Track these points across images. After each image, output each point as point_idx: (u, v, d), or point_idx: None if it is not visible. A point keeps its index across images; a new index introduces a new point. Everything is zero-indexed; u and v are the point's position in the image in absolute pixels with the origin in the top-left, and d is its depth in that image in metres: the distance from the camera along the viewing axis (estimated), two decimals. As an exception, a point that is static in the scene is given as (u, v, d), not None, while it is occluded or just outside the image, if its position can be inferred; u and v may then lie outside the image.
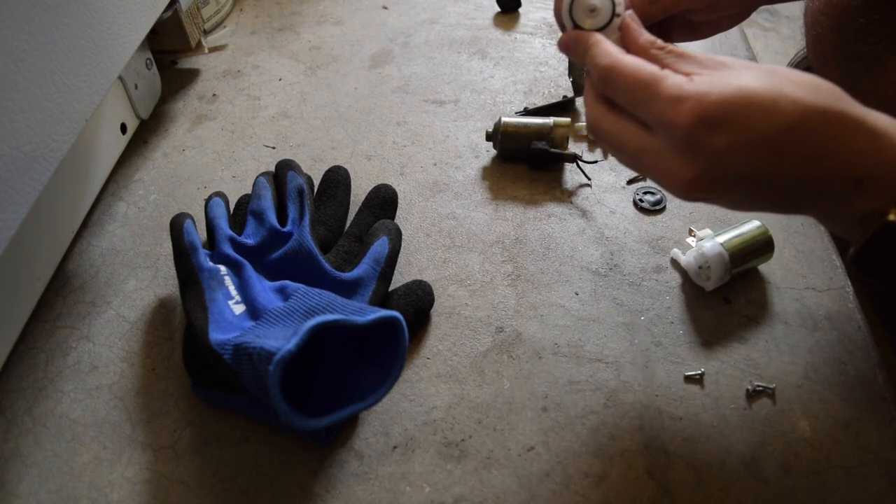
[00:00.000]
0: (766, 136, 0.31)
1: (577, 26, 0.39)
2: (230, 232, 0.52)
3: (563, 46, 0.40)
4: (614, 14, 0.38)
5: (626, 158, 0.36)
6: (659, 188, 0.62)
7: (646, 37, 0.37)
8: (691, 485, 0.42)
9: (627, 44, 0.37)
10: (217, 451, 0.45)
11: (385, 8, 0.89)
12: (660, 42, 0.36)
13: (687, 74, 0.33)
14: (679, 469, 0.43)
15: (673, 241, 0.57)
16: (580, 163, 0.63)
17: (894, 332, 0.56)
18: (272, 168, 0.60)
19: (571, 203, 0.61)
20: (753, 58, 0.80)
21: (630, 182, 0.63)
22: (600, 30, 0.38)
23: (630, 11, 0.38)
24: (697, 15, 0.45)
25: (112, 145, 0.63)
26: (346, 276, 0.49)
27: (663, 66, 0.35)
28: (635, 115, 0.35)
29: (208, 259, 0.50)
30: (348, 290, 0.48)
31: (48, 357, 0.50)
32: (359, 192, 0.61)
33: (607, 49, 0.36)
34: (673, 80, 0.32)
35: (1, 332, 0.47)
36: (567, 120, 0.63)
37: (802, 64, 0.74)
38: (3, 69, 0.40)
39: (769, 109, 0.30)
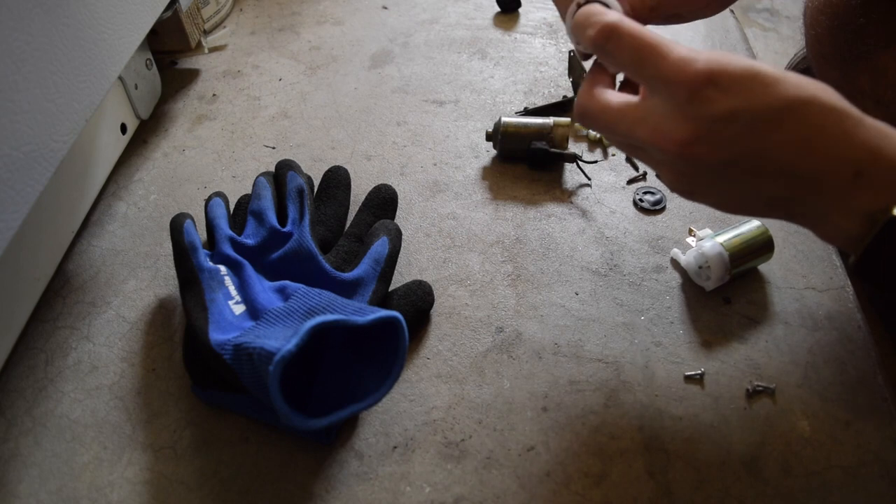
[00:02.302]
0: (766, 107, 0.31)
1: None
2: (230, 232, 0.52)
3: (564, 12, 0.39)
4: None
5: (621, 134, 0.36)
6: (659, 188, 0.62)
7: None
8: (691, 485, 0.42)
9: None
10: (217, 451, 0.45)
11: (385, 8, 0.89)
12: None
13: None
14: (679, 469, 0.43)
15: (673, 241, 0.57)
16: (580, 163, 0.63)
17: (894, 332, 0.56)
18: (272, 168, 0.60)
19: (571, 203, 0.61)
20: (753, 58, 0.80)
21: (630, 182, 0.63)
22: None
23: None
24: (685, 6, 0.45)
25: (112, 145, 0.63)
26: (346, 276, 0.49)
27: None
28: (636, 74, 0.34)
29: (208, 259, 0.50)
30: (348, 290, 0.48)
31: (48, 357, 0.50)
32: (359, 192, 0.61)
33: (611, 12, 0.36)
34: (682, 47, 0.33)
35: (1, 332, 0.47)
36: (567, 120, 0.63)
37: (802, 64, 0.74)
38: (4, 70, 0.40)
39: (773, 85, 0.31)
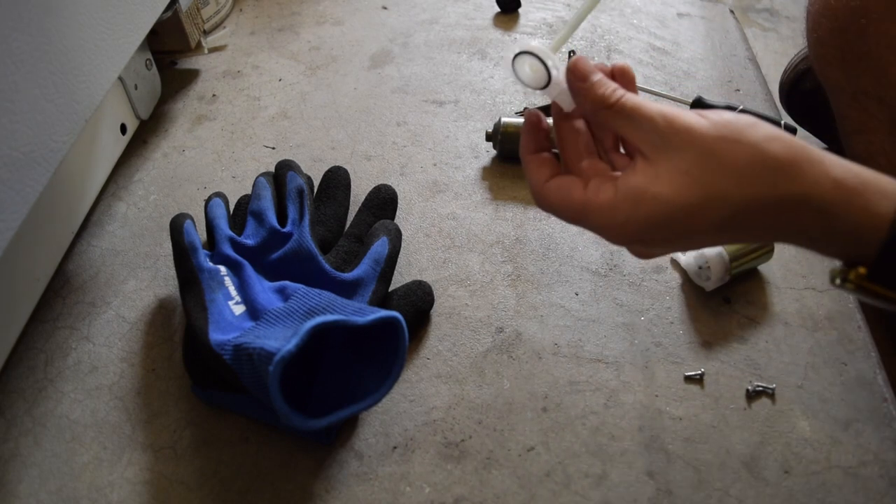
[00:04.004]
0: (695, 233, 0.31)
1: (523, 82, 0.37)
2: (230, 232, 0.52)
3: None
4: (549, 77, 0.36)
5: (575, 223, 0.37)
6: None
7: (595, 94, 0.34)
8: (691, 485, 0.42)
9: (577, 102, 0.35)
10: (217, 451, 0.45)
11: (385, 8, 0.89)
12: (611, 97, 0.33)
13: (615, 176, 0.33)
14: (679, 469, 0.43)
15: (673, 241, 0.57)
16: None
17: (894, 332, 0.56)
18: (272, 168, 0.60)
19: (571, 203, 0.61)
20: (753, 58, 0.80)
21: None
22: (546, 86, 0.36)
23: (576, 58, 0.35)
24: None
25: (112, 146, 0.63)
26: (346, 276, 0.49)
27: (610, 132, 0.35)
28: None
29: (208, 259, 0.50)
30: (348, 290, 0.48)
31: (48, 358, 0.50)
32: (359, 192, 0.61)
33: (535, 176, 0.36)
34: (597, 207, 0.32)
35: (1, 332, 0.47)
36: (567, 120, 0.63)
37: (803, 64, 0.74)
38: (3, 70, 0.40)
39: (694, 216, 0.30)
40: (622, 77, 0.37)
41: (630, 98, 0.33)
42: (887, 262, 0.30)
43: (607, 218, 0.32)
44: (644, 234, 0.31)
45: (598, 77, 0.34)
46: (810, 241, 0.32)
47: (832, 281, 0.32)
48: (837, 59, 0.59)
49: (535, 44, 0.36)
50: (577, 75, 0.35)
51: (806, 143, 0.31)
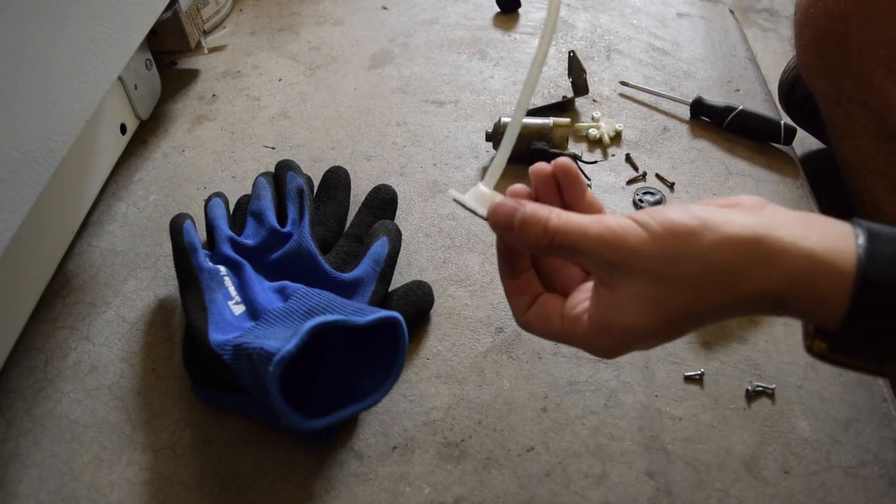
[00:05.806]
0: (670, 337, 0.33)
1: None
2: (230, 232, 0.52)
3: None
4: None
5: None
6: (659, 188, 0.62)
7: (528, 238, 0.33)
8: (691, 485, 0.42)
9: (517, 247, 0.35)
10: (217, 451, 0.45)
11: (385, 8, 0.89)
12: (544, 236, 0.32)
13: (580, 314, 0.34)
14: (679, 469, 0.43)
15: (673, 242, 0.57)
16: (580, 163, 0.63)
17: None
18: (272, 168, 0.60)
19: (571, 203, 0.61)
20: (753, 58, 0.80)
21: (630, 182, 0.63)
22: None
23: (493, 210, 0.35)
24: None
25: (112, 146, 0.63)
26: (346, 276, 0.49)
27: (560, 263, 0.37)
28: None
29: (208, 259, 0.50)
30: (348, 290, 0.48)
31: (48, 358, 0.50)
32: (359, 192, 0.61)
33: (515, 305, 0.37)
34: (578, 339, 0.34)
35: (1, 332, 0.47)
36: (567, 120, 0.63)
37: (796, 70, 0.75)
38: (4, 70, 0.40)
39: (665, 331, 0.32)
40: (565, 177, 0.37)
41: (564, 229, 0.32)
42: (844, 342, 0.30)
43: (590, 346, 0.34)
44: (626, 350, 0.34)
45: (520, 215, 0.33)
46: (780, 317, 0.33)
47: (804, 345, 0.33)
48: (820, 67, 0.60)
49: (463, 195, 0.37)
50: (502, 226, 0.34)
51: (757, 232, 0.29)
